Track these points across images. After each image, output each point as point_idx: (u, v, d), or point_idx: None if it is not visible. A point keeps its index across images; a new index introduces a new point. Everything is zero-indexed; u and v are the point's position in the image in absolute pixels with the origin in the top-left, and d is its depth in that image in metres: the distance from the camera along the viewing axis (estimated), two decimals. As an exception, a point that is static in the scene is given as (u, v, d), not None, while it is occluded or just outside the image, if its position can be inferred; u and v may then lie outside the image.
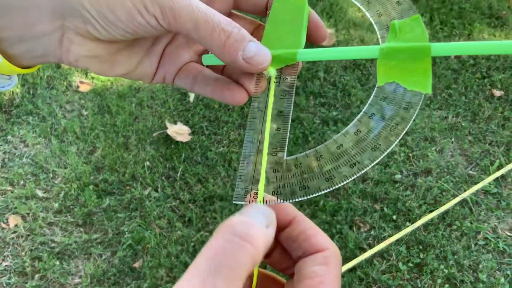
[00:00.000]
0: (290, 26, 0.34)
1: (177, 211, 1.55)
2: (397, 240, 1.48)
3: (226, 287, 0.22)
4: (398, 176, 1.66)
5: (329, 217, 1.53)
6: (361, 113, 0.32)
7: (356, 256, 1.41)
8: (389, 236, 1.48)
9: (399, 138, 0.31)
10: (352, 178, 0.30)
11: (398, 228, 1.52)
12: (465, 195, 1.58)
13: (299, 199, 0.30)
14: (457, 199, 1.57)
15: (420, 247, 1.47)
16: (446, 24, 2.21)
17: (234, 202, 0.31)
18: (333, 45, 2.11)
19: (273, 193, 0.31)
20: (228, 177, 1.63)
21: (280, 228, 0.31)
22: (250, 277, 0.29)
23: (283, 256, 0.32)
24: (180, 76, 0.37)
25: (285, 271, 0.32)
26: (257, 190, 0.30)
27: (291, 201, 0.30)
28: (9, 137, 1.71)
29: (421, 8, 2.28)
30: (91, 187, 1.57)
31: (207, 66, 0.38)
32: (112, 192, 1.57)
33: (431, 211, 1.54)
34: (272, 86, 0.33)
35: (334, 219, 1.52)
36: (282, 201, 0.30)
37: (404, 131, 0.30)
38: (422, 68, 0.30)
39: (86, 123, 1.75)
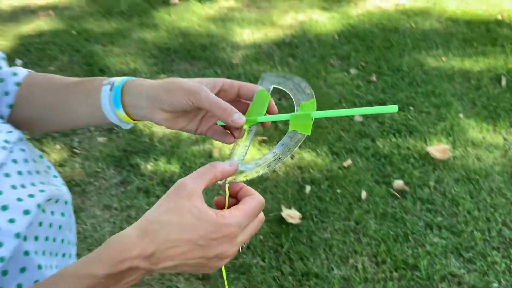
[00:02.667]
0: (259, 105, 0.63)
1: (278, 281, 1.78)
2: None
3: (198, 181, 0.52)
4: (495, 285, 1.67)
5: (415, 309, 1.60)
6: (279, 144, 0.60)
7: None
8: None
9: (291, 153, 0.58)
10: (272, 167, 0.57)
11: (485, 333, 1.52)
12: None
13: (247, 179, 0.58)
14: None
15: None
16: None
17: (218, 183, 0.59)
18: (448, 159, 2.26)
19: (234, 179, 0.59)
20: (327, 260, 1.83)
21: (236, 192, 0.58)
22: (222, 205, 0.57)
23: (237, 202, 0.56)
24: (208, 131, 0.67)
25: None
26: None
27: (242, 181, 0.58)
28: (162, 203, 2.18)
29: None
30: (213, 249, 1.91)
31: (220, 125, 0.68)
32: (228, 256, 1.89)
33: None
34: (246, 133, 0.63)
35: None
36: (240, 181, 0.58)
37: (293, 151, 0.57)
38: (308, 124, 0.59)
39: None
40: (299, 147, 2.37)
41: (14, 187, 0.58)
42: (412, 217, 1.99)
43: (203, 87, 0.59)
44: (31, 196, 0.59)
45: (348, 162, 2.29)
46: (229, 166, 0.55)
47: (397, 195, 2.12)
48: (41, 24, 3.72)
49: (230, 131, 0.65)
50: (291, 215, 2.02)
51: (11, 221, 0.55)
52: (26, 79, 0.71)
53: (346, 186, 2.16)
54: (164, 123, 0.62)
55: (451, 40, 3.30)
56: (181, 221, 0.49)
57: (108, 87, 0.63)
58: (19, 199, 0.57)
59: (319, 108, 0.59)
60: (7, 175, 0.58)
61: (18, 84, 0.70)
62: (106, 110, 0.64)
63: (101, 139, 2.50)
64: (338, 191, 2.14)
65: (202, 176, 0.53)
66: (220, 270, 0.56)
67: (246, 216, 0.52)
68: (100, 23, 3.71)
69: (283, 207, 2.04)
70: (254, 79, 2.95)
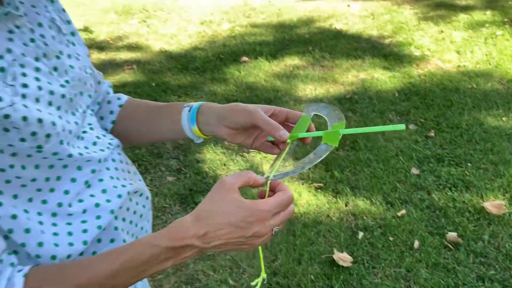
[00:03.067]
0: (301, 126, 0.78)
1: (326, 319, 1.85)
2: None
3: (235, 179, 0.68)
4: None
5: None
6: (312, 153, 0.74)
7: None
8: None
9: (320, 159, 0.72)
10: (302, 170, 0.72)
11: None
12: None
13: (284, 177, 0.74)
14: None
15: None
16: None
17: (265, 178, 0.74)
18: (503, 215, 2.27)
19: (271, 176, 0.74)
20: (376, 303, 1.88)
21: (274, 187, 0.72)
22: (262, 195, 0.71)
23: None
24: (260, 146, 0.83)
25: None
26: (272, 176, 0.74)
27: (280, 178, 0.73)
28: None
29: None
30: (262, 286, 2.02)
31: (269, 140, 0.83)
32: (280, 292, 1.99)
33: None
34: (288, 147, 0.78)
35: None
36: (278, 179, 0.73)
37: (322, 158, 0.72)
38: (337, 138, 0.73)
39: (275, 239, 2.27)
40: (353, 194, 2.47)
41: (111, 177, 0.77)
42: (464, 269, 2.01)
43: (259, 109, 0.76)
44: (123, 186, 0.77)
45: (402, 212, 2.36)
46: (260, 179, 0.70)
47: (450, 246, 2.14)
48: (125, 76, 4.16)
49: (276, 145, 0.81)
50: (343, 258, 2.09)
51: (108, 201, 0.74)
52: (127, 102, 0.92)
53: (399, 235, 2.22)
54: (227, 137, 0.80)
55: (513, 101, 3.32)
56: (224, 209, 0.65)
57: (188, 109, 0.82)
58: (115, 187, 0.76)
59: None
60: (107, 168, 0.77)
61: (120, 106, 0.91)
62: (184, 127, 0.82)
63: (170, 178, 2.73)
64: (391, 239, 2.20)
65: (239, 177, 0.68)
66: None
67: (276, 205, 0.67)
68: (177, 77, 4.09)
69: (335, 250, 2.13)
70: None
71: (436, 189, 2.52)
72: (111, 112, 0.91)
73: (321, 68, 4.14)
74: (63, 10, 0.82)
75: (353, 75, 3.94)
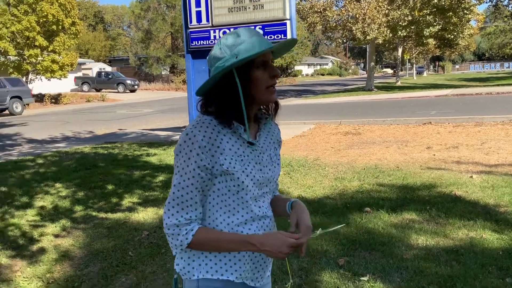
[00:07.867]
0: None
1: None
2: None
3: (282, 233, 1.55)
4: None
5: None
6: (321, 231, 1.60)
7: None
8: None
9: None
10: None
11: None
12: None
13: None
14: None
15: None
16: None
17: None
18: None
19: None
20: None
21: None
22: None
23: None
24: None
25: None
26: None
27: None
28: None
29: None
30: None
31: None
32: None
33: None
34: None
35: None
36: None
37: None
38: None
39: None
40: None
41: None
42: None
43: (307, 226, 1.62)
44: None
45: None
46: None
47: None
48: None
49: None
50: None
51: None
52: (277, 194, 1.85)
53: None
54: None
55: None
56: (272, 236, 1.49)
57: (287, 203, 1.72)
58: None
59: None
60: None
61: (274, 195, 1.84)
62: (288, 210, 1.71)
63: None
64: None
65: (285, 233, 1.52)
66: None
67: (292, 244, 1.46)
68: (309, 216, 5.00)
69: None
70: (416, 275, 3.68)
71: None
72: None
73: (435, 224, 4.73)
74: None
75: (463, 233, 4.45)
